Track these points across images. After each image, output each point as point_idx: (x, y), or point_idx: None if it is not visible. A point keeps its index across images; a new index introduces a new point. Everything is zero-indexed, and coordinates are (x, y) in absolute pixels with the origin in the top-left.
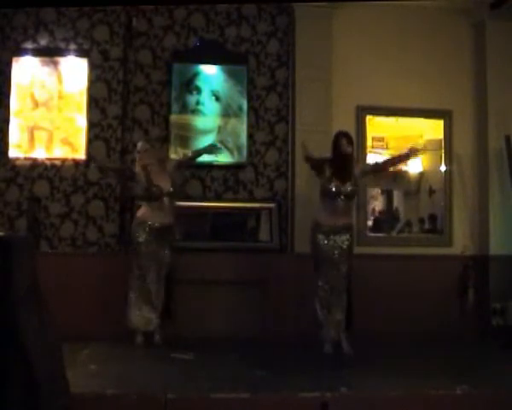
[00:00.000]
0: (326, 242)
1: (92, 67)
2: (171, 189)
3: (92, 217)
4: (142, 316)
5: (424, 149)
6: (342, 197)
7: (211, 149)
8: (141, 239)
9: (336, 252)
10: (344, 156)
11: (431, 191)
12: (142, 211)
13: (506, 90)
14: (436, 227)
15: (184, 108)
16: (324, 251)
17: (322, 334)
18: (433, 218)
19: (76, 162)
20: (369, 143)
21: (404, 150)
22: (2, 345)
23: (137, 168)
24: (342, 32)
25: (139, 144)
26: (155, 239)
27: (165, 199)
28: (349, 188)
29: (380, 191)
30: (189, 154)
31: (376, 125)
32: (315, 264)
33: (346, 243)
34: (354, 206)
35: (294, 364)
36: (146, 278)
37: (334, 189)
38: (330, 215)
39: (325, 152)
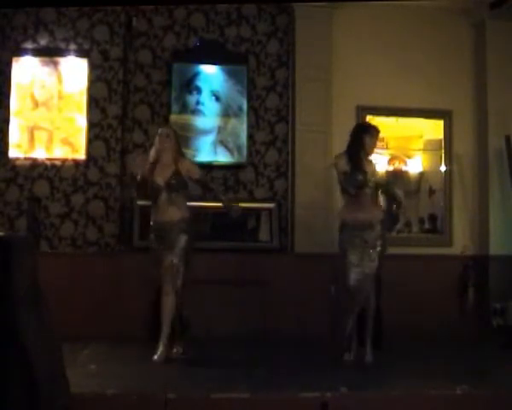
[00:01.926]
0: (353, 240)
1: (92, 67)
2: (172, 181)
3: (92, 217)
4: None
5: None
6: (367, 189)
7: (230, 208)
8: (149, 242)
9: (367, 252)
10: (369, 151)
11: (431, 191)
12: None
13: (506, 90)
14: (436, 227)
15: (184, 108)
16: (353, 251)
17: (344, 345)
18: (433, 218)
19: (76, 162)
20: None
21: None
22: (2, 345)
23: (151, 153)
24: (342, 32)
25: (161, 129)
26: (157, 241)
27: (164, 194)
28: (373, 178)
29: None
30: (209, 183)
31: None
32: (342, 267)
33: (378, 241)
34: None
35: (294, 364)
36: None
37: (360, 178)
38: (355, 210)
39: (324, 152)
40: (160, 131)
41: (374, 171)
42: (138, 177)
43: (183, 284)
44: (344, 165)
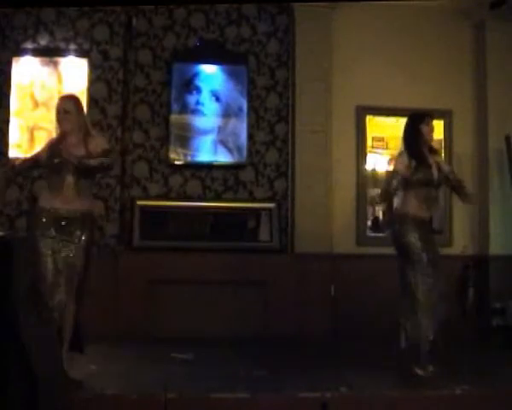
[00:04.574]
0: (418, 237)
1: (92, 67)
2: (84, 162)
3: None
4: None
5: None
6: (433, 186)
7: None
8: (37, 232)
9: (431, 250)
10: (428, 141)
11: None
12: (43, 195)
13: (506, 90)
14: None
15: (184, 108)
16: (417, 248)
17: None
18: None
19: None
20: (369, 143)
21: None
22: (2, 345)
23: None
24: (342, 32)
25: (59, 100)
26: (55, 232)
27: (70, 178)
28: (437, 174)
29: (380, 191)
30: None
31: (376, 125)
32: (409, 265)
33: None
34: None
35: (294, 364)
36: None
37: (424, 176)
38: (420, 206)
39: (324, 152)
40: (57, 103)
41: (439, 162)
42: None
43: (84, 287)
44: (406, 163)
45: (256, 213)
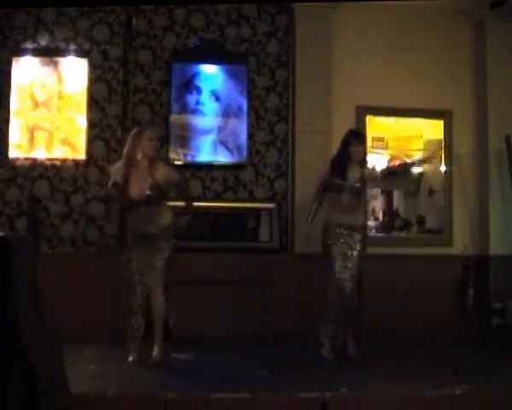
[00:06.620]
0: (334, 240)
1: (92, 67)
2: (151, 196)
3: (92, 217)
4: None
5: (426, 161)
6: (346, 194)
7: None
8: (131, 244)
9: (347, 252)
10: (350, 156)
11: (431, 191)
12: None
13: (506, 90)
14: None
15: (184, 108)
16: (333, 250)
17: (323, 334)
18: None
19: (76, 162)
20: (369, 143)
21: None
22: (2, 345)
23: (128, 158)
24: (342, 32)
25: (147, 131)
26: (143, 247)
27: (143, 209)
28: (352, 184)
29: (380, 191)
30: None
31: (376, 125)
32: (327, 263)
33: (358, 244)
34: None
35: (294, 364)
36: (136, 287)
37: (337, 183)
38: (336, 213)
39: (324, 152)
40: (146, 133)
41: (361, 176)
42: (109, 184)
43: (166, 286)
44: (327, 170)
45: (256, 213)
